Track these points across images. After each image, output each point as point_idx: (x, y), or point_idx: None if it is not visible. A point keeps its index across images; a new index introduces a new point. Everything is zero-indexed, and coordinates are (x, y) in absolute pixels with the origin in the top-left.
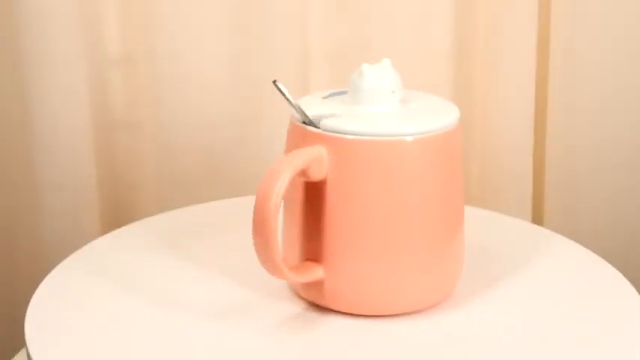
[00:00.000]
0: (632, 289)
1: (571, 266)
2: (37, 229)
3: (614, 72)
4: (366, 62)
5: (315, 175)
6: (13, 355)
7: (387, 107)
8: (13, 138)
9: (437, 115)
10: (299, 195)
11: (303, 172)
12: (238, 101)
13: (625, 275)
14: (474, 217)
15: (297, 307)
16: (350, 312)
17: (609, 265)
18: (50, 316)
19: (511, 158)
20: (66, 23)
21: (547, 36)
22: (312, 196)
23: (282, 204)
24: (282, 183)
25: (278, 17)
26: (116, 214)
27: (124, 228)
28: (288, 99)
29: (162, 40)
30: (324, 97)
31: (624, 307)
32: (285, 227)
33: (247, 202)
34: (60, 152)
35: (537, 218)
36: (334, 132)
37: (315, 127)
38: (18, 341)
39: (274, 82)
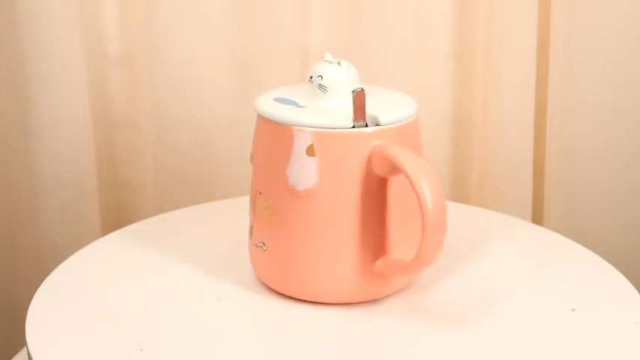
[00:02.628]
0: (633, 289)
1: (571, 266)
2: (38, 229)
3: (614, 72)
4: (366, 62)
5: None
6: (13, 355)
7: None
8: (13, 138)
9: (406, 105)
10: (374, 192)
11: None
12: (238, 101)
13: (625, 275)
14: (474, 216)
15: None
16: (313, 300)
17: (610, 265)
18: (51, 316)
19: (511, 158)
20: (66, 23)
21: (547, 36)
22: (380, 192)
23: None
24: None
25: (278, 17)
26: (116, 214)
27: (124, 228)
28: (363, 109)
29: (162, 40)
30: (276, 100)
31: (624, 307)
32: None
33: (246, 202)
34: (60, 152)
35: (537, 218)
36: (393, 123)
37: (373, 125)
38: (18, 341)
39: (354, 91)
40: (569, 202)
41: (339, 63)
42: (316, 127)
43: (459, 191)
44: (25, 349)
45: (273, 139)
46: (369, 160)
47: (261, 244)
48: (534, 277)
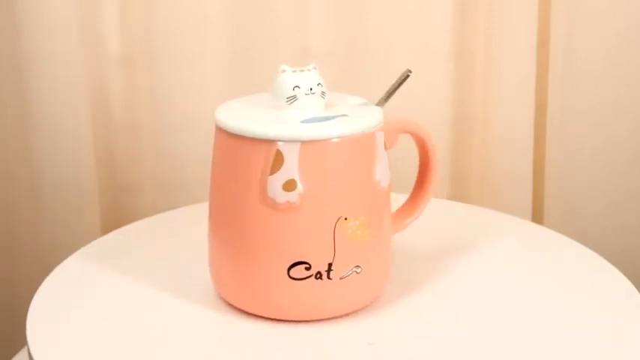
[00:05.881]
0: (633, 288)
1: (571, 265)
2: (38, 230)
3: (614, 72)
4: (366, 62)
5: None
6: (13, 355)
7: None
8: (13, 138)
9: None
10: None
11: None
12: None
13: (625, 275)
14: (474, 216)
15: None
16: (276, 317)
17: (610, 264)
18: (51, 316)
19: (511, 158)
20: (66, 23)
21: (547, 36)
22: None
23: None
24: None
25: (278, 17)
26: (116, 214)
27: (123, 228)
28: (395, 90)
29: (162, 40)
30: (308, 121)
31: (625, 306)
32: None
33: None
34: (60, 152)
35: (537, 218)
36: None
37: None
38: (18, 341)
39: (408, 72)
40: (569, 202)
41: (315, 67)
42: (382, 121)
43: (459, 191)
44: (25, 349)
45: (358, 152)
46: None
47: (355, 270)
48: (534, 277)
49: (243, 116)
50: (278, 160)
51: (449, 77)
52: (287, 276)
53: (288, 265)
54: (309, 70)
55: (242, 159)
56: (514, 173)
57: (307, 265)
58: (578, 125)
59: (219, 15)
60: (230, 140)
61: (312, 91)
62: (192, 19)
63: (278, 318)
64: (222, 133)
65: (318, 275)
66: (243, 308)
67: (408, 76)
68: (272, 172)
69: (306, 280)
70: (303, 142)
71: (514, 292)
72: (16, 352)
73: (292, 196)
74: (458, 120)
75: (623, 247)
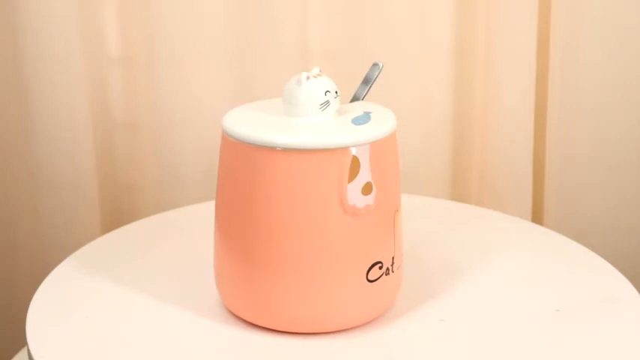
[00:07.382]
0: (633, 289)
1: (571, 265)
2: (38, 230)
3: (614, 72)
4: (366, 62)
5: None
6: (13, 355)
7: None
8: (13, 139)
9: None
10: None
11: None
12: (237, 102)
13: (625, 275)
14: (474, 216)
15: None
16: (288, 330)
17: (609, 264)
18: (51, 316)
19: (511, 158)
20: (66, 23)
21: (547, 36)
22: None
23: None
24: None
25: (278, 18)
26: (116, 214)
27: (123, 228)
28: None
29: (162, 41)
30: (357, 120)
31: (625, 307)
32: None
33: None
34: (60, 153)
35: (537, 218)
36: None
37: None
38: (18, 341)
39: (377, 64)
40: (568, 201)
41: (321, 71)
42: None
43: (459, 191)
44: (25, 349)
45: (393, 149)
46: None
47: (402, 258)
48: (534, 277)
49: (293, 130)
50: (355, 166)
51: (449, 77)
52: (366, 280)
53: (367, 269)
54: (317, 75)
55: (313, 173)
56: (514, 173)
57: (380, 264)
58: (578, 125)
59: (219, 15)
60: (291, 157)
61: (337, 95)
62: (193, 19)
63: (347, 327)
64: (273, 152)
65: (387, 271)
66: (290, 330)
67: (380, 70)
68: (350, 179)
69: (379, 279)
70: (372, 144)
71: (514, 292)
72: (16, 352)
73: (370, 199)
74: (458, 120)
75: (623, 247)
